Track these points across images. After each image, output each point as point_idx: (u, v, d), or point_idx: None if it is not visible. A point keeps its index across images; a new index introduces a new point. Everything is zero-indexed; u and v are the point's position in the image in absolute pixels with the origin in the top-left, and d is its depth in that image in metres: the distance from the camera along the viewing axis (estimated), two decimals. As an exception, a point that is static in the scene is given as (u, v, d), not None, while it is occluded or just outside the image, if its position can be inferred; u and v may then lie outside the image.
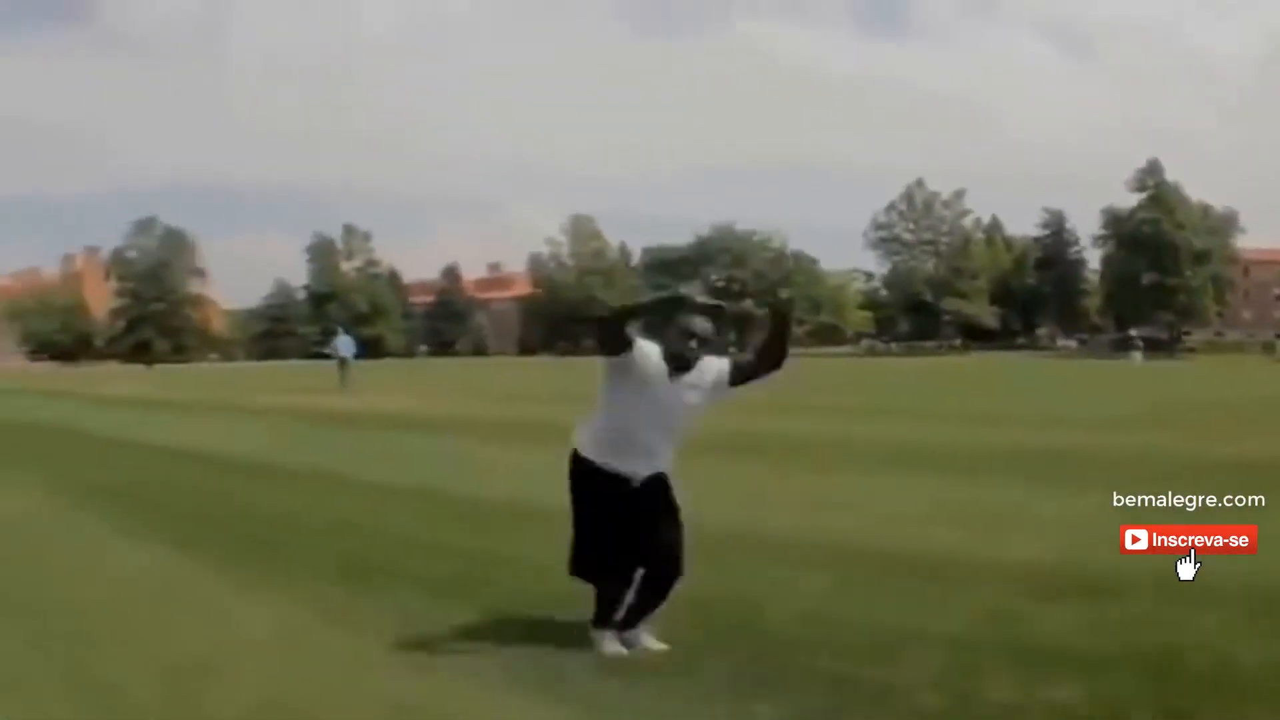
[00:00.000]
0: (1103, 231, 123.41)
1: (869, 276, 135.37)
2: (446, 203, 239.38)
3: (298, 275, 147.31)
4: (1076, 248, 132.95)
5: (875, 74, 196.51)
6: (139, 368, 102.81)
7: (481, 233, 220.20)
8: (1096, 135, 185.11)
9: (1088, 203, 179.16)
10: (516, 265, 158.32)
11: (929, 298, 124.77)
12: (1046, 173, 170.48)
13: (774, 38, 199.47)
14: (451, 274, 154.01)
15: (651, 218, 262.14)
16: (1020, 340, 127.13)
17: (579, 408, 6.88)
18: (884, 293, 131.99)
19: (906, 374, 56.55)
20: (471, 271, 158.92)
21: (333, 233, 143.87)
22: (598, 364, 6.37)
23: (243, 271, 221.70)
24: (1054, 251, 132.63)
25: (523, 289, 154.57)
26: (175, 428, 24.69)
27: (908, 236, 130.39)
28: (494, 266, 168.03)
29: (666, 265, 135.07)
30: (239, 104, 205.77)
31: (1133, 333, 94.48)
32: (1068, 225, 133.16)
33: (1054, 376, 51.32)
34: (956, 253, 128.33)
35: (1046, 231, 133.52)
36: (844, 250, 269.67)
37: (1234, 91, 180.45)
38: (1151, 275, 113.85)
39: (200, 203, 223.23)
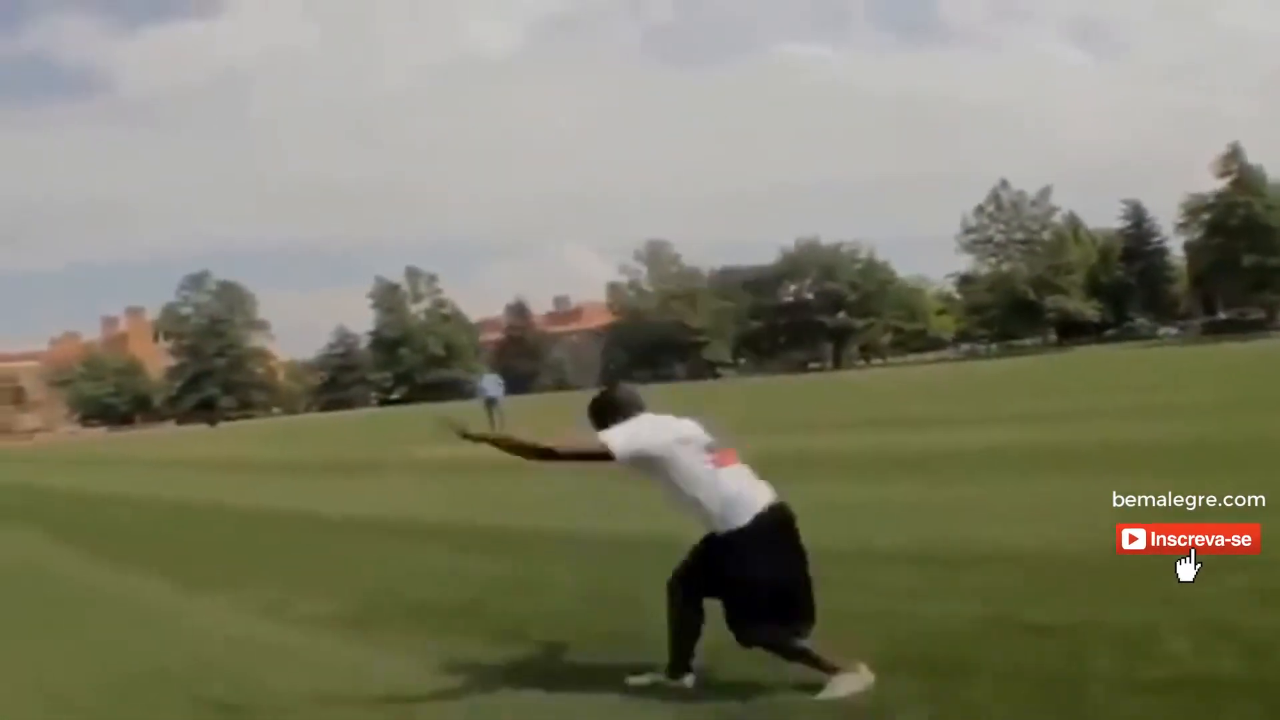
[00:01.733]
0: (1184, 220, 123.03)
1: (965, 280, 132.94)
2: (482, 246, 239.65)
3: (355, 324, 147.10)
4: (1158, 238, 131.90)
5: (909, 85, 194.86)
6: (201, 427, 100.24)
7: (522, 272, 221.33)
8: (1138, 128, 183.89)
9: (1140, 195, 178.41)
10: (576, 299, 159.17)
11: (1032, 296, 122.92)
12: (1088, 171, 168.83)
13: (804, 58, 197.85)
14: (520, 310, 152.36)
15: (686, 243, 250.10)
16: (1110, 332, 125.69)
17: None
18: (985, 295, 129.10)
19: (1042, 374, 54.21)
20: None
21: (361, 283, 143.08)
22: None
23: (290, 326, 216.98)
24: (1137, 243, 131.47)
25: (592, 320, 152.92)
26: (351, 495, 20.89)
27: (999, 237, 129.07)
28: (561, 300, 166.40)
29: (759, 284, 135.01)
30: (262, 164, 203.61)
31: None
32: (1148, 216, 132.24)
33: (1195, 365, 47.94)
34: (1053, 249, 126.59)
35: (1128, 224, 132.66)
36: (911, 259, 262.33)
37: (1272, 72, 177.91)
38: (1252, 257, 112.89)
39: (234, 265, 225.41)
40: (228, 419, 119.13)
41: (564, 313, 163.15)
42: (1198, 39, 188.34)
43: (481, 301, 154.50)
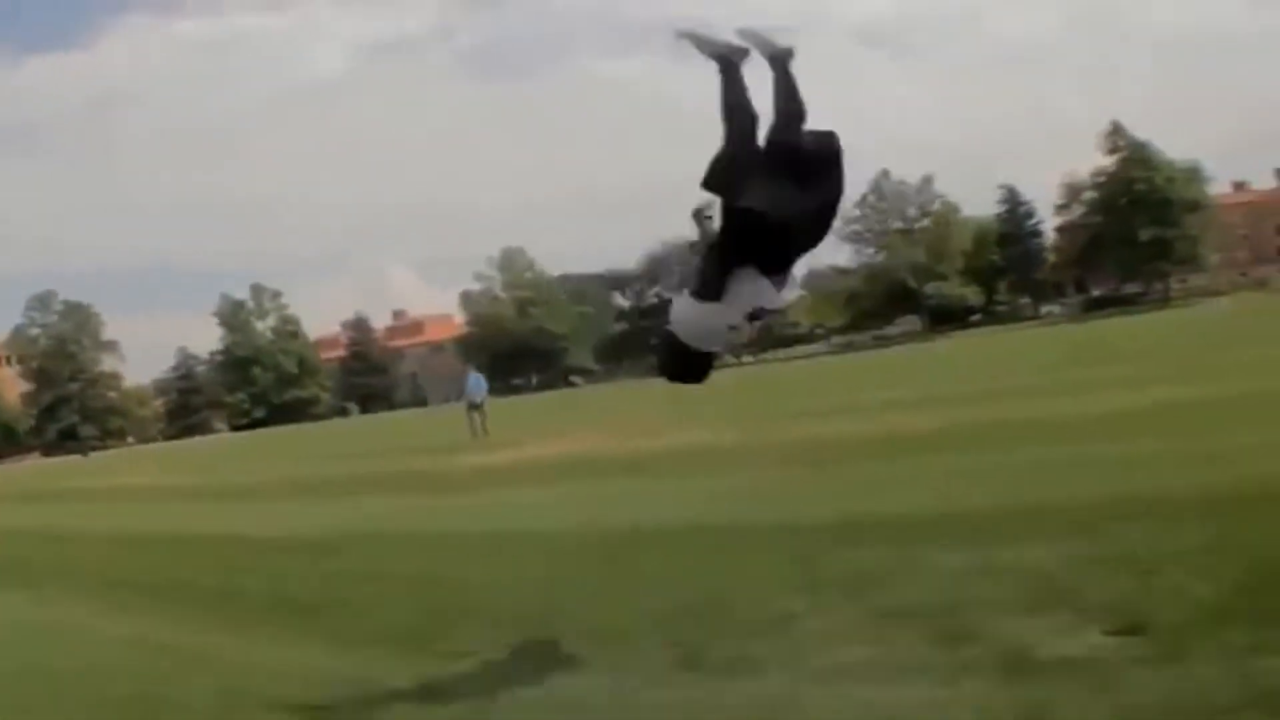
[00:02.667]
0: (1063, 201, 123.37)
1: (841, 272, 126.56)
2: (302, 263, 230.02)
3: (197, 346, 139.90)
4: (1034, 220, 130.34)
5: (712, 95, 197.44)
6: (75, 458, 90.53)
7: (346, 287, 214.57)
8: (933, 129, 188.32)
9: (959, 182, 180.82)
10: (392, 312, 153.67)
11: (912, 283, 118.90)
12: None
13: (618, 71, 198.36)
14: (361, 325, 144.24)
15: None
16: (976, 317, 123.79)
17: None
18: (862, 284, 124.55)
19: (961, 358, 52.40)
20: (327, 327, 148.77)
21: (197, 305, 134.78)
22: None
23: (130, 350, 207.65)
24: (1013, 226, 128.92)
25: (436, 333, 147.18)
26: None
27: (880, 227, 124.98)
28: (399, 314, 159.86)
29: (621, 285, 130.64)
30: (102, 187, 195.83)
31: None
32: (1021, 200, 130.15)
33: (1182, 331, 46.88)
34: (936, 236, 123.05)
35: (1004, 208, 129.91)
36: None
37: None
38: (1150, 230, 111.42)
39: (74, 286, 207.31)
40: (94, 448, 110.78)
41: (404, 326, 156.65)
42: (975, 42, 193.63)
43: (309, 320, 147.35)
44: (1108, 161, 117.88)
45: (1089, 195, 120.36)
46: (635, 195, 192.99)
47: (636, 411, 35.70)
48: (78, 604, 10.94)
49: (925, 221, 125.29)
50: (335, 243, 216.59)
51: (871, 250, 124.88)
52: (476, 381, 36.83)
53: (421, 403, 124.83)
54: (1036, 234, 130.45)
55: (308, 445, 50.03)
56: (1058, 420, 15.91)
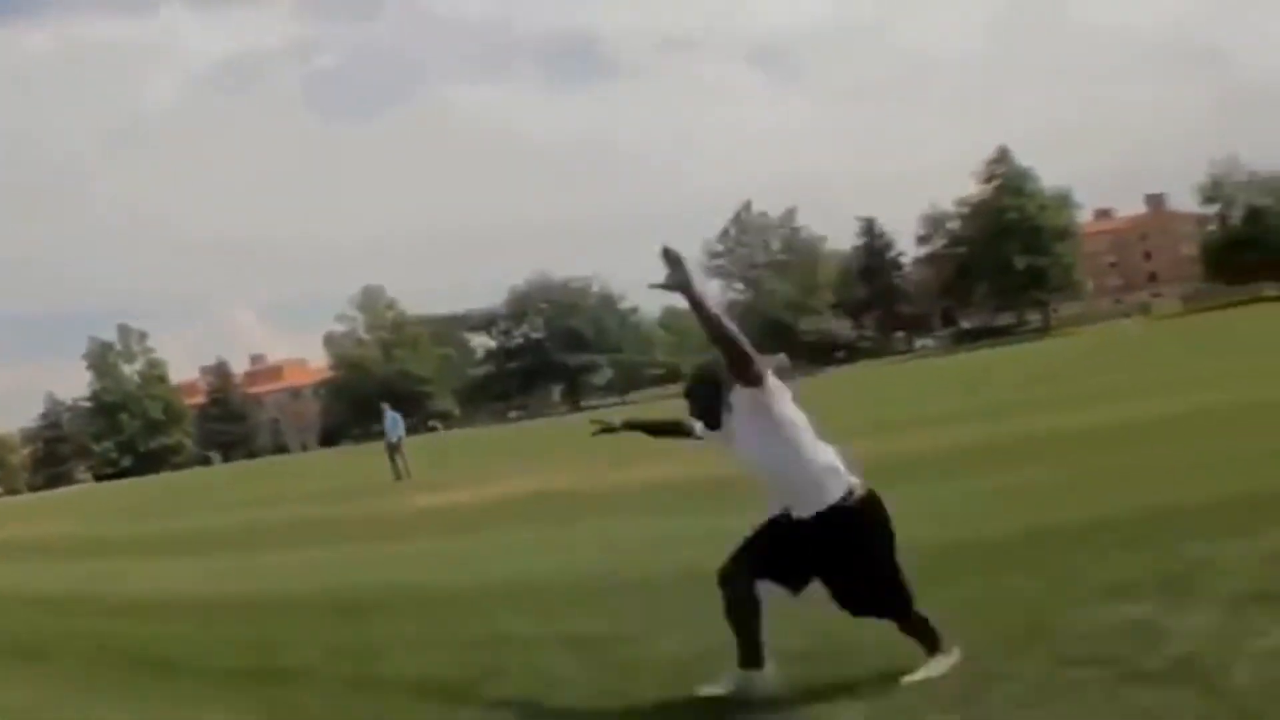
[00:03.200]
0: (925, 232, 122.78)
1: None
2: (161, 304, 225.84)
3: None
4: (894, 253, 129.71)
5: (576, 124, 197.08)
6: None
7: (194, 331, 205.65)
8: (815, 149, 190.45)
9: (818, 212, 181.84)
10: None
11: (788, 319, 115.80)
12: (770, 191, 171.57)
13: (471, 101, 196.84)
14: (221, 370, 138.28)
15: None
16: (840, 353, 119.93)
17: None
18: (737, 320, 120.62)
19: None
20: (185, 374, 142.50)
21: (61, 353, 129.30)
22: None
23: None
24: (873, 259, 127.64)
25: (295, 377, 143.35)
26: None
27: (745, 260, 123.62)
28: (257, 358, 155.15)
29: (486, 325, 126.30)
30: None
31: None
32: (880, 232, 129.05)
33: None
34: (805, 270, 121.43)
35: (863, 240, 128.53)
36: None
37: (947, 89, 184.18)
38: (1025, 258, 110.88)
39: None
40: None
41: (262, 371, 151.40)
42: (872, 59, 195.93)
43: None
44: (973, 190, 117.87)
45: (952, 225, 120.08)
46: (485, 233, 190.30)
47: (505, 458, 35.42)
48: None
49: (788, 255, 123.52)
50: (188, 284, 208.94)
51: (740, 286, 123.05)
52: (394, 420, 34.35)
53: (282, 449, 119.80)
54: (898, 266, 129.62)
55: (195, 495, 45.65)
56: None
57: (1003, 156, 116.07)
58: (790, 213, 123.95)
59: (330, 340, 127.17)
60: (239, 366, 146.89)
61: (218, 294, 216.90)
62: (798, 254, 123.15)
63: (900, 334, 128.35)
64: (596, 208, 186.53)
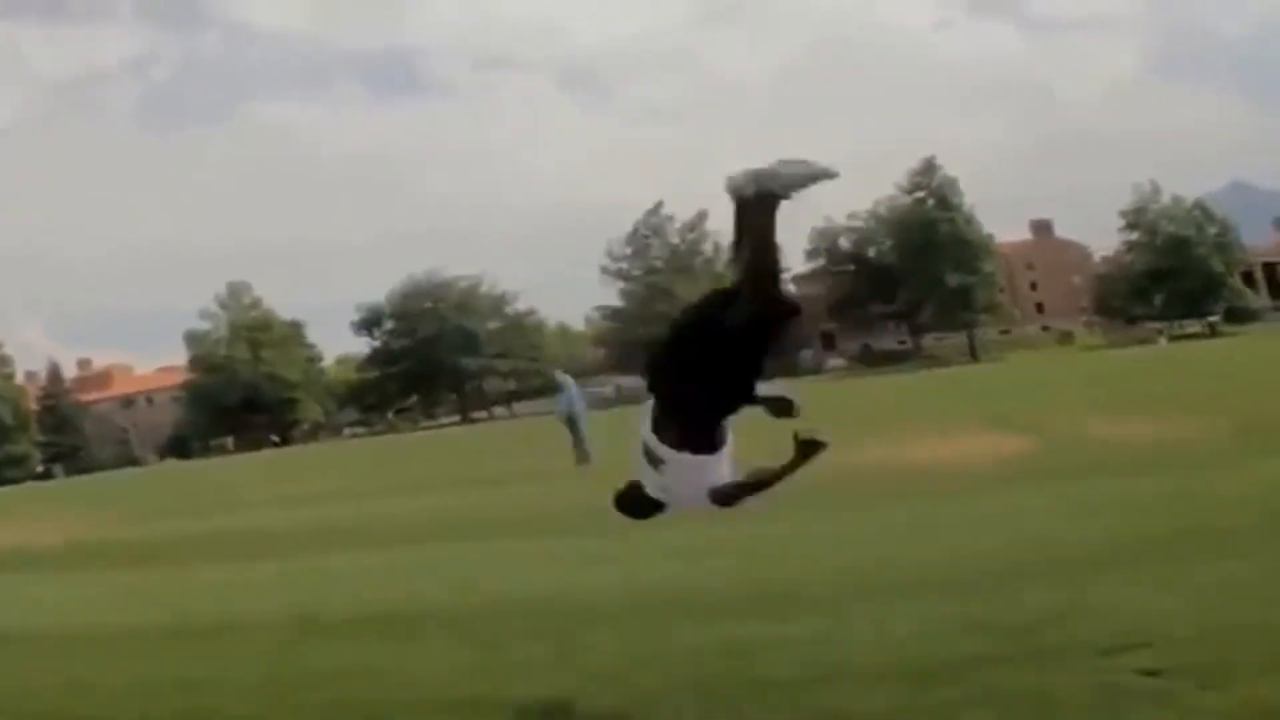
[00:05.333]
0: (813, 246, 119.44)
1: (615, 314, 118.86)
2: None
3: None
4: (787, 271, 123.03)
5: (390, 139, 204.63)
6: None
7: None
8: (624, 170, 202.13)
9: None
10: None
11: None
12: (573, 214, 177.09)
13: (290, 117, 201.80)
14: (55, 376, 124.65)
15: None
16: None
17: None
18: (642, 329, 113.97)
19: None
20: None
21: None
22: None
23: None
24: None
25: (126, 385, 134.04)
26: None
27: (658, 264, 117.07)
28: (84, 363, 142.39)
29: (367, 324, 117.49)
30: None
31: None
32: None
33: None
34: (716, 277, 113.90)
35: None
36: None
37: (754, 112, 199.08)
38: (956, 276, 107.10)
39: None
40: None
41: (88, 377, 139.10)
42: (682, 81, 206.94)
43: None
44: (863, 205, 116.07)
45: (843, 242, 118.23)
46: (302, 246, 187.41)
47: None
48: None
49: (696, 260, 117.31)
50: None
51: (643, 290, 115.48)
52: (571, 390, 28.26)
53: (131, 461, 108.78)
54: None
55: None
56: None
57: (928, 168, 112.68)
58: (701, 215, 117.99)
59: (192, 338, 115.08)
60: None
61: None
62: (704, 259, 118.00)
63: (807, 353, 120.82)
64: (415, 222, 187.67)
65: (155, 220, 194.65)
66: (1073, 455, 18.03)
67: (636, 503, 6.10)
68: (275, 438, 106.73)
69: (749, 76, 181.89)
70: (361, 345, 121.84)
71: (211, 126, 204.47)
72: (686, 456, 5.63)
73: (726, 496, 5.75)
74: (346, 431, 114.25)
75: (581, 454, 26.13)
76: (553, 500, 18.87)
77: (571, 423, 27.13)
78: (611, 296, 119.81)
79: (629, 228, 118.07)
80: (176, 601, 11.53)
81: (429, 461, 38.16)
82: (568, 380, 28.95)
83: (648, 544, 10.99)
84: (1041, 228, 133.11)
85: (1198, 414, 21.88)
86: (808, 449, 5.55)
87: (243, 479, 41.34)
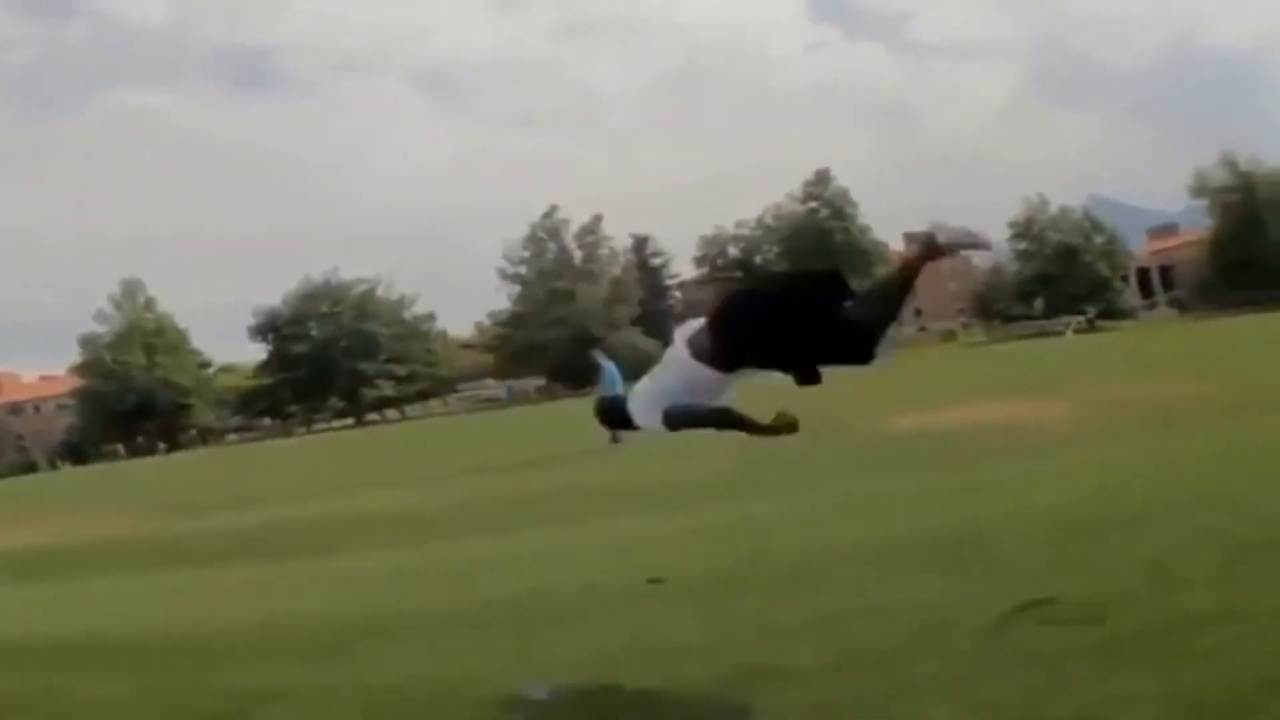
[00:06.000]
0: (702, 252, 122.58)
1: (516, 318, 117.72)
2: None
3: None
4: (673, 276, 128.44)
5: (248, 135, 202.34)
6: None
7: None
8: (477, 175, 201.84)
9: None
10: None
11: (597, 332, 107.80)
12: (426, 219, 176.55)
13: (145, 107, 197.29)
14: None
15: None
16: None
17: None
18: (540, 333, 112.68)
19: None
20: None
21: None
22: None
23: None
24: (653, 278, 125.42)
25: (19, 393, 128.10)
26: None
27: (550, 268, 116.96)
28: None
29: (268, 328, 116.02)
30: None
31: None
32: (656, 251, 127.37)
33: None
34: (615, 283, 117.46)
35: (634, 258, 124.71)
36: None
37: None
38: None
39: None
40: None
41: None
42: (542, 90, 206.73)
43: None
44: (749, 214, 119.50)
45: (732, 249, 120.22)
46: (156, 241, 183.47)
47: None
48: None
49: (592, 265, 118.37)
50: None
51: (544, 295, 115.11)
52: (611, 374, 29.34)
53: (30, 468, 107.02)
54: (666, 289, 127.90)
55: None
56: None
57: (822, 179, 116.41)
58: (597, 219, 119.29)
59: (86, 343, 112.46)
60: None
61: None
62: (600, 264, 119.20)
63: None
64: (270, 220, 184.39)
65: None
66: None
67: (612, 414, 6.54)
68: (164, 445, 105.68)
69: (614, 89, 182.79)
70: (242, 351, 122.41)
71: (71, 116, 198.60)
72: (703, 368, 6.05)
73: (680, 416, 6.12)
74: (233, 437, 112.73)
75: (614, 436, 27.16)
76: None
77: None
78: (487, 302, 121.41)
79: (524, 231, 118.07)
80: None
81: (362, 462, 38.51)
82: (609, 364, 30.02)
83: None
84: (916, 240, 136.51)
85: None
86: (781, 427, 6.03)
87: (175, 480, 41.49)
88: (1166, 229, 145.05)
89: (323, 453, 53.09)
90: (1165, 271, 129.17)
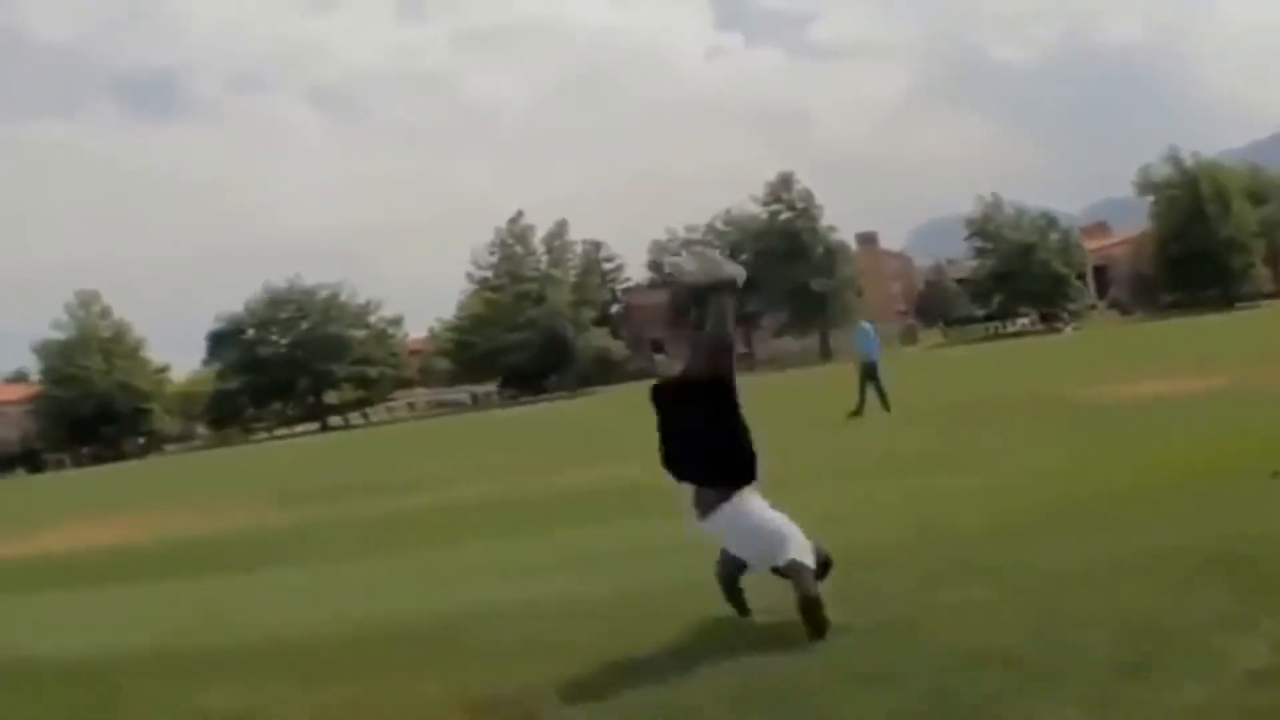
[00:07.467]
0: (651, 258, 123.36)
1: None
2: None
3: None
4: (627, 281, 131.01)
5: (151, 161, 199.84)
6: None
7: None
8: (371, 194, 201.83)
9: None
10: None
11: (570, 334, 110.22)
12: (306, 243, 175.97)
13: (43, 135, 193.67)
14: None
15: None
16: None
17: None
18: (511, 335, 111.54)
19: None
20: None
21: None
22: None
23: None
24: (606, 283, 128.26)
25: None
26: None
27: (528, 273, 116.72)
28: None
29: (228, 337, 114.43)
30: None
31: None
32: (609, 256, 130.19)
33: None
34: (581, 286, 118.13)
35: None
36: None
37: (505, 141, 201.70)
38: (819, 281, 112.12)
39: None
40: None
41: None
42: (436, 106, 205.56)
43: None
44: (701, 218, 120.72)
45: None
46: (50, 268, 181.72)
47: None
48: None
49: (559, 270, 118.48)
50: None
51: (510, 299, 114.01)
52: (869, 335, 28.95)
53: None
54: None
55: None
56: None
57: (786, 181, 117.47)
58: (562, 224, 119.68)
59: (43, 349, 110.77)
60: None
61: None
62: (565, 268, 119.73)
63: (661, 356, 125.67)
64: (171, 244, 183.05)
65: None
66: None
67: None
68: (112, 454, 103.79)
69: (509, 101, 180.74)
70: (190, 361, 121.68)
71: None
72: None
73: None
74: (171, 448, 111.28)
75: (883, 401, 26.96)
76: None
77: (871, 369, 27.45)
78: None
79: (491, 236, 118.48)
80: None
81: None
82: (870, 328, 29.77)
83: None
84: (866, 239, 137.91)
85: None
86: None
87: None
88: (1098, 227, 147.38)
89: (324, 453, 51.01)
90: (1100, 271, 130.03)
